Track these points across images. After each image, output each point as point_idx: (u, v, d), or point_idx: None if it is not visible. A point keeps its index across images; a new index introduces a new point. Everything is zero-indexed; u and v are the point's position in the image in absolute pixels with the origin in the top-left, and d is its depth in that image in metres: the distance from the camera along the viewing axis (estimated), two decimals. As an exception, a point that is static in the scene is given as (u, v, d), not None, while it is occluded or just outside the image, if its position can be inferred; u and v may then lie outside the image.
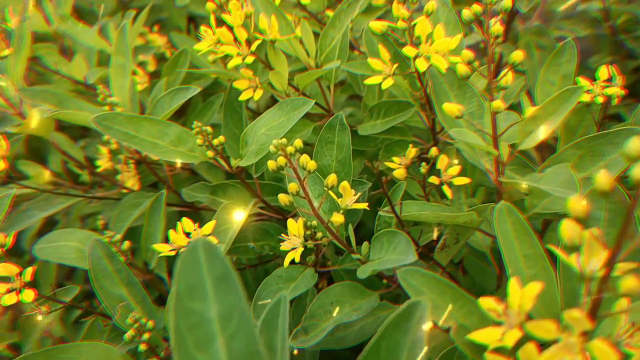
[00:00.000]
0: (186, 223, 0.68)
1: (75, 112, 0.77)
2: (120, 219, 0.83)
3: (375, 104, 0.83)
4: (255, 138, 0.71)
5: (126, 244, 0.74)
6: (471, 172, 0.77)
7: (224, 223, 0.74)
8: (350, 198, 0.62)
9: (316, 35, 0.85)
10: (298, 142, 0.57)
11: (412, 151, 0.73)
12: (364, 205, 0.62)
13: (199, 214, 0.99)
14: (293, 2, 0.94)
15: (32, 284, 0.70)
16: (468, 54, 0.57)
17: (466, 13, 0.56)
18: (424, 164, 0.71)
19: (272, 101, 1.08)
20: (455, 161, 0.73)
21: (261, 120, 0.71)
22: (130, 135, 0.74)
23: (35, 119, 0.77)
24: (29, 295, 0.65)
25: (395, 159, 0.74)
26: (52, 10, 1.04)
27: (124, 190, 0.96)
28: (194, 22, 1.46)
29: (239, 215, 0.74)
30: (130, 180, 0.97)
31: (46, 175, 1.14)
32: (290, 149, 0.56)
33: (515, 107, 0.79)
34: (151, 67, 1.21)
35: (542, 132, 0.57)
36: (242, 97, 0.77)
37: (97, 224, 0.92)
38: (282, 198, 0.63)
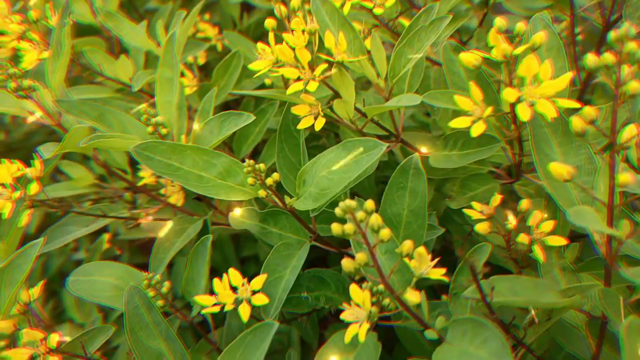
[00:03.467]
0: (233, 276, 0.60)
1: (115, 139, 0.69)
2: (162, 250, 0.76)
3: (451, 132, 0.72)
4: (315, 180, 0.62)
5: (166, 286, 0.67)
6: (562, 224, 0.66)
7: (275, 270, 0.65)
8: (427, 265, 0.52)
9: (385, 44, 0.74)
10: (370, 204, 0.47)
11: (497, 199, 0.62)
12: (440, 274, 0.52)
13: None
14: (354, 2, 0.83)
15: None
16: (590, 112, 0.45)
17: (592, 60, 0.44)
18: (511, 217, 0.61)
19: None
20: (545, 215, 0.62)
21: (322, 160, 0.62)
22: (174, 167, 0.66)
23: (76, 139, 0.70)
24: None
25: (475, 205, 0.63)
26: (100, 5, 0.96)
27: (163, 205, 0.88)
28: (247, 11, 1.36)
29: (293, 261, 0.66)
30: (174, 195, 0.90)
31: (89, 178, 1.08)
32: (360, 215, 0.46)
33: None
34: (201, 60, 1.12)
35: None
36: (301, 126, 0.67)
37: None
38: (336, 228, 0.52)
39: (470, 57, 0.55)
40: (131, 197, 0.84)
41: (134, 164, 0.97)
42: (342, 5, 0.75)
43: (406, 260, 0.51)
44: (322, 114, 0.65)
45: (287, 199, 0.67)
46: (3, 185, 0.71)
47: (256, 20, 1.37)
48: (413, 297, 0.49)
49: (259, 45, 0.65)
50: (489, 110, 0.53)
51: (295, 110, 0.67)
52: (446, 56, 0.72)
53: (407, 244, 0.49)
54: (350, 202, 0.46)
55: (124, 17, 0.93)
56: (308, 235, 0.74)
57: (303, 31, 0.62)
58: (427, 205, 0.59)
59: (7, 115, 1.49)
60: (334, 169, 0.59)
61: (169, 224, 0.78)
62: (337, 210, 0.46)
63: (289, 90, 0.63)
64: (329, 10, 0.72)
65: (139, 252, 1.39)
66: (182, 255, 1.08)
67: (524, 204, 0.59)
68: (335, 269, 0.74)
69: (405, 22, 0.82)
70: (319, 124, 0.65)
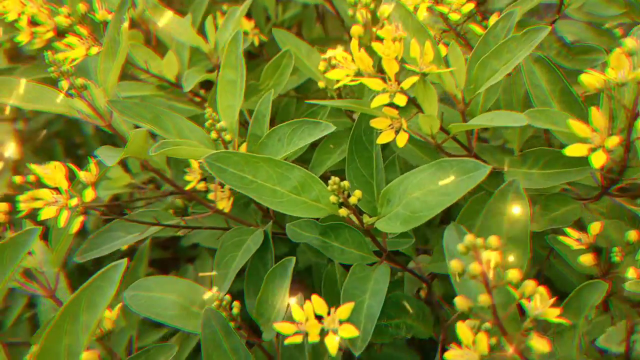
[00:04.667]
0: (317, 303, 0.56)
1: (184, 147, 0.65)
2: (223, 264, 0.71)
3: (531, 150, 0.69)
4: (404, 200, 0.58)
5: (236, 308, 0.63)
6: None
7: (354, 294, 0.61)
8: (544, 304, 0.48)
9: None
10: (494, 241, 0.44)
11: (596, 227, 0.59)
12: (555, 315, 0.49)
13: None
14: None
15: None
16: None
17: None
18: (616, 248, 0.57)
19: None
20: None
21: (413, 179, 0.58)
22: (247, 180, 0.61)
23: (136, 145, 0.65)
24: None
25: (572, 232, 0.59)
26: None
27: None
28: (281, 3, 1.31)
29: (370, 284, 0.62)
30: (223, 201, 0.85)
31: (126, 178, 1.04)
32: (490, 257, 0.42)
33: None
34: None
35: None
36: (381, 141, 0.63)
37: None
38: (455, 265, 0.48)
39: (591, 79, 0.50)
40: (183, 204, 0.79)
41: (170, 164, 0.93)
42: (416, 10, 0.71)
43: (524, 302, 0.47)
44: (406, 128, 0.61)
45: (366, 218, 0.63)
46: (57, 190, 0.67)
47: (292, 15, 1.32)
48: (540, 345, 0.45)
49: (339, 53, 0.61)
50: (615, 141, 0.49)
51: (375, 123, 0.63)
52: (527, 67, 0.68)
53: (530, 285, 0.46)
54: (473, 239, 0.43)
55: (170, 11, 0.88)
56: (371, 250, 0.71)
57: (393, 40, 0.58)
58: (529, 233, 0.55)
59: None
60: (429, 190, 0.55)
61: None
62: (461, 247, 0.43)
63: (374, 104, 0.58)
64: (402, 14, 0.67)
65: (158, 248, 1.35)
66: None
67: (632, 235, 0.56)
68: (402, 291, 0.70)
69: (476, 28, 0.78)
70: (402, 140, 0.61)
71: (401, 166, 0.76)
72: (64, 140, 1.66)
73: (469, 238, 0.43)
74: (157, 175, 0.80)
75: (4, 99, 0.68)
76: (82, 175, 0.68)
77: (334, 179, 0.57)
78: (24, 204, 0.82)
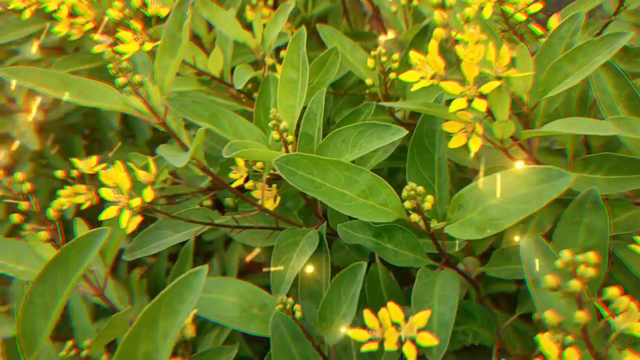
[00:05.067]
0: (393, 310, 0.56)
1: (255, 150, 0.64)
2: (279, 266, 0.71)
3: (596, 155, 0.68)
4: (480, 207, 0.57)
5: (298, 312, 0.62)
6: None
7: (422, 301, 0.61)
8: (632, 318, 0.48)
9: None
10: (593, 257, 0.43)
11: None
12: None
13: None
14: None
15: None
16: None
17: None
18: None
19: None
20: None
21: (490, 186, 0.57)
22: (317, 183, 0.61)
23: (199, 143, 0.64)
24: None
25: (641, 241, 0.59)
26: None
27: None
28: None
29: (436, 289, 0.61)
30: (269, 200, 0.84)
31: (163, 173, 1.02)
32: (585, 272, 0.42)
33: None
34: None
35: None
36: (453, 145, 0.62)
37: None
38: (550, 281, 0.48)
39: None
40: (233, 203, 0.78)
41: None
42: (481, 9, 0.70)
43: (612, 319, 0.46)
44: (481, 133, 0.60)
45: (434, 223, 0.62)
46: (115, 189, 0.66)
47: (322, 9, 1.31)
48: None
49: (415, 55, 0.60)
50: None
51: (447, 127, 0.62)
52: (594, 72, 0.67)
53: (623, 302, 0.45)
54: (572, 255, 0.42)
55: (217, 6, 0.87)
56: (425, 253, 0.70)
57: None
58: (608, 243, 0.54)
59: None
60: (508, 197, 0.54)
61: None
62: (559, 263, 0.42)
63: (453, 107, 0.57)
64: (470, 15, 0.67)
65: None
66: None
67: None
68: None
69: (536, 28, 0.77)
70: (475, 145, 0.60)
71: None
72: (79, 132, 1.65)
73: (567, 254, 0.43)
74: (206, 173, 0.79)
75: (59, 94, 0.67)
76: (142, 175, 0.67)
77: (411, 184, 0.56)
78: (66, 199, 0.82)
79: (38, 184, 1.56)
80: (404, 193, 0.57)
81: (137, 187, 0.96)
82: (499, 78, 0.59)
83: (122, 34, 0.76)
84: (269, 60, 0.91)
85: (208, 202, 0.75)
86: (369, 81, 0.89)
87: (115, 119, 1.35)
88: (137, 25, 0.75)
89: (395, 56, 0.85)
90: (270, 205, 0.83)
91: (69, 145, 1.60)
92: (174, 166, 0.63)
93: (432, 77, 0.58)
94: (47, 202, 1.54)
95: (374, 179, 0.61)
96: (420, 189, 0.57)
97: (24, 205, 0.70)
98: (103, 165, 0.90)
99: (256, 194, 0.84)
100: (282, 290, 0.67)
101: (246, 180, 0.82)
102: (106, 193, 0.65)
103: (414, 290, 0.61)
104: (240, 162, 0.85)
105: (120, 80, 0.67)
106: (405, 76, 0.60)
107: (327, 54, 0.89)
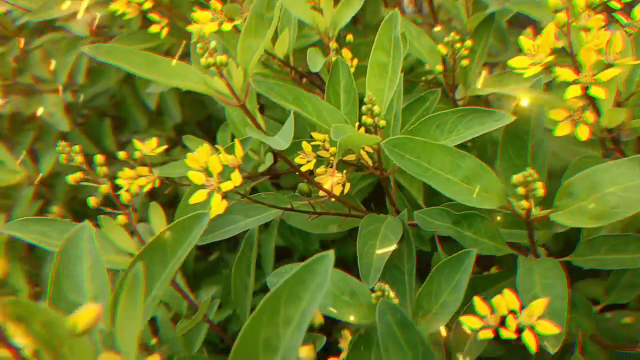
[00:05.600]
0: (509, 298, 0.55)
1: (360, 135, 0.62)
2: (365, 253, 0.69)
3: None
4: (594, 195, 0.56)
5: (395, 298, 0.61)
6: None
7: (527, 289, 0.60)
8: None
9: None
10: None
11: None
12: None
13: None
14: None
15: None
16: None
17: None
18: None
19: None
20: None
21: (604, 174, 0.56)
22: (423, 167, 0.59)
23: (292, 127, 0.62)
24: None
25: None
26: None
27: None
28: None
29: (543, 279, 0.60)
30: (338, 187, 0.82)
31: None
32: None
33: None
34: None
35: None
36: (560, 132, 0.61)
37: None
38: None
39: None
40: (308, 189, 0.76)
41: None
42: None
43: None
44: (590, 121, 0.59)
45: (536, 210, 0.61)
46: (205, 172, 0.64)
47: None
48: None
49: (526, 40, 0.58)
50: None
51: (554, 114, 0.61)
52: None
53: None
54: None
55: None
56: (505, 242, 0.69)
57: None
58: None
59: (81, 76, 1.38)
60: (628, 186, 0.53)
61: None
62: None
63: (568, 94, 0.56)
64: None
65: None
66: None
67: None
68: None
69: (621, 17, 0.75)
70: (584, 133, 0.59)
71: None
72: (102, 114, 1.62)
73: None
74: (280, 157, 0.77)
75: (146, 74, 0.65)
76: (230, 158, 0.65)
77: (530, 171, 0.55)
78: (125, 181, 0.80)
79: (63, 169, 1.54)
80: (515, 179, 0.56)
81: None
82: (610, 65, 0.58)
83: (198, 14, 0.74)
84: (333, 44, 0.89)
85: (305, 188, 0.73)
86: (438, 67, 0.87)
87: (152, 101, 1.32)
88: (216, 4, 0.73)
89: (468, 43, 0.83)
90: (338, 191, 0.81)
91: (93, 128, 1.57)
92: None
93: (546, 63, 0.57)
94: (73, 188, 1.51)
95: (476, 165, 0.60)
96: (534, 174, 0.55)
97: (104, 188, 0.68)
98: (163, 147, 0.88)
99: (321, 179, 0.82)
100: (371, 278, 0.66)
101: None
102: (195, 176, 0.63)
103: (519, 278, 0.60)
104: (308, 147, 0.83)
105: (205, 60, 0.65)
106: (515, 62, 0.59)
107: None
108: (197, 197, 0.63)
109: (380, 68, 0.68)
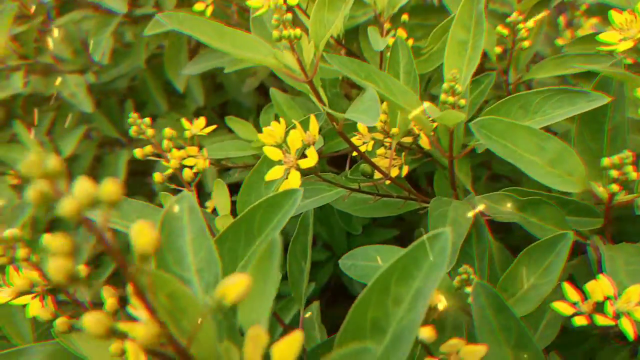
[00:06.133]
0: (604, 284, 0.53)
1: (447, 114, 0.60)
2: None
3: None
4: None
5: (476, 279, 0.59)
6: None
7: (614, 274, 0.58)
8: None
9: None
10: None
11: None
12: None
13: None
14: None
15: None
16: None
17: None
18: None
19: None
20: None
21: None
22: (509, 149, 0.58)
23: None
24: None
25: None
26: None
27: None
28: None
29: (627, 266, 0.59)
30: (394, 169, 0.80)
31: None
32: None
33: None
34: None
35: None
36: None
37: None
38: None
39: None
40: (371, 170, 0.74)
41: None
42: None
43: None
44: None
45: (621, 195, 0.59)
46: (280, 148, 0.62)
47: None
48: None
49: (617, 15, 0.57)
50: None
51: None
52: None
53: None
54: None
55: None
56: (571, 228, 0.68)
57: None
58: None
59: (105, 57, 1.34)
60: None
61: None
62: None
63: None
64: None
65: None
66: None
67: None
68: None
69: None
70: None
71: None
72: (119, 96, 1.59)
73: None
74: (342, 137, 0.75)
75: (218, 44, 0.62)
76: (307, 135, 0.63)
77: (625, 153, 0.53)
78: (175, 161, 0.77)
79: (82, 149, 1.50)
80: (607, 162, 0.54)
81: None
82: None
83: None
84: (388, 24, 0.87)
85: (367, 169, 0.71)
86: (497, 49, 0.86)
87: (182, 84, 1.29)
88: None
89: (530, 24, 0.81)
90: (395, 174, 0.80)
91: (110, 110, 1.54)
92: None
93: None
94: (93, 167, 1.47)
95: (561, 148, 0.59)
96: (631, 156, 0.54)
97: (173, 163, 0.65)
98: (212, 127, 0.85)
99: (379, 161, 0.80)
100: (450, 261, 0.64)
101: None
102: (272, 152, 0.61)
103: (606, 264, 0.59)
104: (364, 128, 0.81)
105: (277, 33, 0.63)
106: (606, 36, 0.57)
107: (449, 20, 0.86)
108: (274, 173, 0.61)
109: (459, 46, 0.66)
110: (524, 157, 0.57)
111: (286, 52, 0.65)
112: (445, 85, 0.62)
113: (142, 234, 0.29)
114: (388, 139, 0.79)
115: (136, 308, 0.34)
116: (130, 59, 1.40)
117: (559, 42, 1.00)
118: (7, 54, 1.38)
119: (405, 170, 0.79)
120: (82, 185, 0.27)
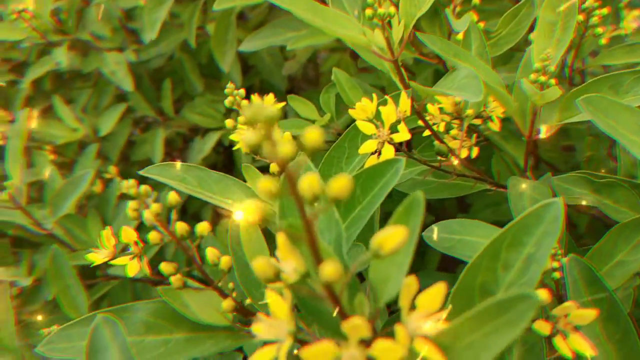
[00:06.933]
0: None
1: (553, 89, 0.61)
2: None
3: None
4: None
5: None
6: None
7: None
8: None
9: None
10: None
11: None
12: None
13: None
14: None
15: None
16: None
17: None
18: None
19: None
20: None
21: None
22: (611, 126, 0.58)
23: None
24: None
25: None
26: None
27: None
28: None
29: None
30: (464, 150, 0.81)
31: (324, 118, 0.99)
32: None
33: None
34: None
35: None
36: None
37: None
38: None
39: None
40: (447, 149, 0.75)
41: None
42: None
43: None
44: None
45: None
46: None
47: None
48: None
49: None
50: None
51: None
52: None
53: None
54: None
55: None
56: None
57: None
58: None
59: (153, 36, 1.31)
60: None
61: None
62: None
63: None
64: None
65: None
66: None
67: None
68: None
69: None
70: None
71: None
72: (159, 76, 1.59)
73: None
74: (418, 116, 0.76)
75: (312, 19, 0.63)
76: (398, 110, 0.64)
77: None
78: (237, 136, 0.78)
79: (118, 127, 1.49)
80: None
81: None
82: None
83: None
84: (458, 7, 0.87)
85: (443, 148, 0.72)
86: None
87: (227, 65, 1.29)
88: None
89: (605, 10, 0.82)
90: (464, 155, 0.80)
91: (145, 89, 1.55)
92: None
93: None
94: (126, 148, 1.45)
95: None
96: None
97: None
98: (282, 103, 0.86)
99: (450, 142, 0.81)
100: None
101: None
102: (365, 127, 0.62)
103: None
104: (434, 109, 0.82)
105: (370, 11, 0.64)
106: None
107: (521, 5, 0.86)
108: (367, 147, 0.62)
109: (548, 27, 0.66)
110: (625, 135, 0.58)
111: (376, 30, 0.66)
112: (537, 65, 0.63)
113: (338, 182, 0.30)
114: (456, 121, 0.80)
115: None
116: (171, 38, 1.40)
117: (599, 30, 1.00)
118: (48, 29, 1.38)
119: (476, 151, 0.80)
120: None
